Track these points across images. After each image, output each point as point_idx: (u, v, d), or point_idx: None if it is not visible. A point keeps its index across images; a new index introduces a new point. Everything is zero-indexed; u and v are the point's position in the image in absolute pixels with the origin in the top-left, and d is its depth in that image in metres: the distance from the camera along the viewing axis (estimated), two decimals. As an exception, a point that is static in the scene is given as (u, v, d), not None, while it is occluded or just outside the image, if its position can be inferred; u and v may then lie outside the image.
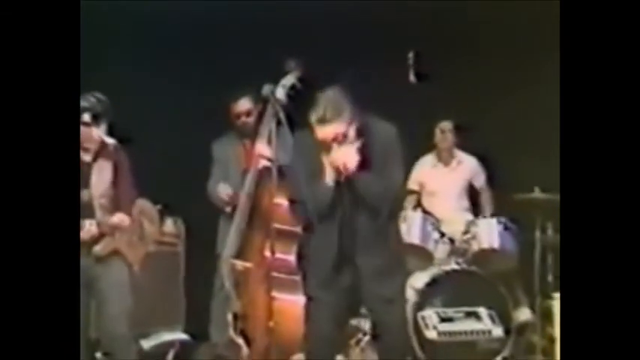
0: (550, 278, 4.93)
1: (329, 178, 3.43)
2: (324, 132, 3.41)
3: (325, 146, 3.43)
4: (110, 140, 3.78)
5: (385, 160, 3.49)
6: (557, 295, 4.56)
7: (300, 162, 3.53)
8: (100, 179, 3.71)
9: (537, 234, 4.97)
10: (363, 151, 3.44)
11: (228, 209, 4.62)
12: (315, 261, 3.63)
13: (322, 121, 3.39)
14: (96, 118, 3.64)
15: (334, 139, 3.40)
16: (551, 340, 4.76)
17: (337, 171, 3.41)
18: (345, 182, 3.43)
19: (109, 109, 3.72)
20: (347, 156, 3.41)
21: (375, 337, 3.84)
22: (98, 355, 3.91)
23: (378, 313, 3.64)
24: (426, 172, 5.59)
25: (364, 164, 3.45)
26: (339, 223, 3.49)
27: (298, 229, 3.83)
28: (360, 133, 3.46)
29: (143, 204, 4.00)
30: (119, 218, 3.71)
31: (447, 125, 5.54)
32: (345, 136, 3.41)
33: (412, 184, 5.52)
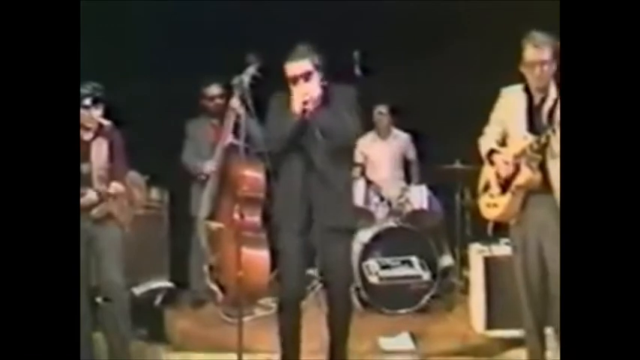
0: (467, 232, 5.07)
1: (296, 107, 3.42)
2: (293, 69, 3.46)
3: (294, 81, 3.46)
4: (106, 122, 3.75)
5: (344, 104, 3.51)
6: (472, 245, 4.70)
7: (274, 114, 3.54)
8: (98, 154, 3.69)
9: (457, 197, 5.09)
10: (325, 92, 3.48)
11: (203, 177, 4.66)
12: (282, 213, 3.63)
13: (291, 60, 3.46)
14: (95, 103, 3.62)
15: (301, 76, 3.45)
16: (467, 281, 4.91)
17: (301, 101, 3.41)
18: (307, 116, 3.41)
19: (106, 96, 3.69)
20: (311, 89, 3.45)
21: (326, 283, 3.87)
22: (98, 299, 3.90)
23: (331, 258, 3.67)
24: (368, 146, 5.67)
25: (325, 103, 3.47)
26: (301, 163, 3.49)
27: (261, 195, 3.85)
28: (324, 88, 3.49)
29: (133, 175, 4.01)
30: (115, 188, 3.69)
31: (383, 109, 5.62)
32: (310, 74, 3.45)
33: (357, 157, 5.59)
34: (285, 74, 3.49)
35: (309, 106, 3.41)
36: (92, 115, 3.65)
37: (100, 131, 3.72)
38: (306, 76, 3.46)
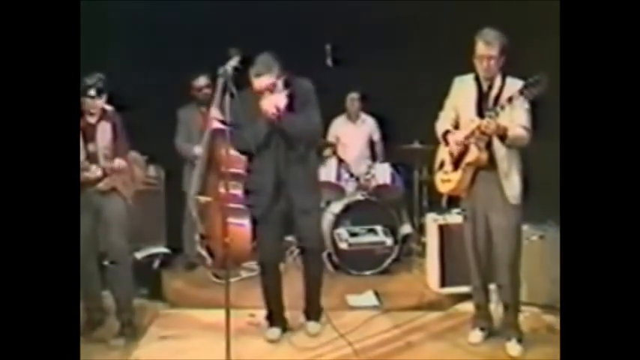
0: (424, 203, 5.06)
1: (265, 117, 3.40)
2: (259, 83, 3.41)
3: (260, 94, 3.41)
4: (109, 107, 3.69)
5: (305, 105, 3.48)
6: (428, 215, 4.69)
7: (243, 112, 3.47)
8: (102, 135, 3.63)
9: (416, 173, 5.07)
10: (289, 98, 3.44)
11: (190, 159, 4.63)
12: (258, 185, 3.62)
13: (257, 75, 3.40)
14: (99, 92, 3.56)
15: (267, 89, 3.39)
16: (424, 245, 4.92)
17: (271, 112, 3.38)
18: (277, 121, 3.41)
19: (111, 86, 3.63)
20: (277, 100, 3.40)
21: (303, 249, 3.84)
22: (105, 262, 3.86)
23: (305, 229, 3.68)
24: (340, 128, 5.63)
25: (290, 108, 3.43)
26: (274, 153, 3.49)
27: (243, 171, 3.81)
28: (286, 85, 3.44)
29: (134, 155, 3.94)
30: (118, 163, 3.66)
31: (354, 95, 5.57)
32: (274, 86, 3.40)
33: (330, 138, 5.56)
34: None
35: (279, 114, 3.39)
36: (96, 102, 3.60)
37: (103, 115, 3.67)
38: (271, 88, 3.41)
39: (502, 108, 3.26)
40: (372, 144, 5.68)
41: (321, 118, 3.59)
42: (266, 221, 3.61)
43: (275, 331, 3.73)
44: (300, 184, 3.53)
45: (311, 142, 3.61)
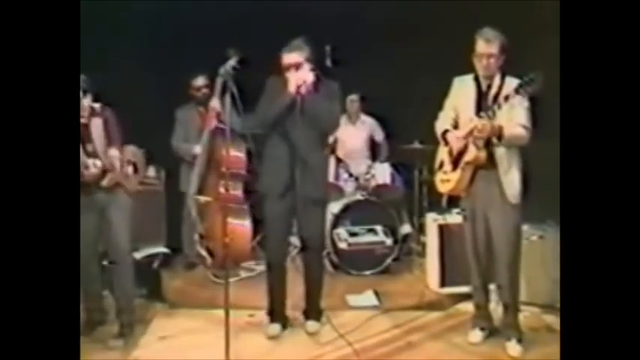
0: (424, 203, 5.05)
1: (292, 88, 3.45)
2: (289, 58, 3.49)
3: (287, 69, 3.49)
4: (96, 104, 3.64)
5: (329, 97, 3.55)
6: (428, 215, 4.69)
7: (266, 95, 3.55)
8: (96, 133, 3.59)
9: (416, 173, 5.06)
10: (316, 83, 3.52)
11: (189, 159, 4.62)
12: (267, 186, 3.62)
13: (288, 51, 3.50)
14: (84, 93, 3.52)
15: (295, 65, 3.47)
16: (424, 245, 4.92)
17: (297, 84, 3.44)
18: (300, 97, 3.46)
19: (93, 86, 3.58)
20: (305, 75, 3.48)
21: (303, 248, 3.84)
22: (105, 262, 3.85)
23: (309, 227, 3.69)
24: (339, 128, 5.60)
25: (316, 91, 3.50)
26: (290, 129, 3.51)
27: (244, 172, 3.81)
28: (314, 70, 3.53)
29: (133, 149, 3.90)
30: (112, 153, 3.61)
31: (354, 97, 5.57)
32: (300, 65, 3.48)
33: (329, 138, 5.53)
34: (277, 62, 3.51)
35: (303, 89, 3.45)
36: (83, 103, 3.56)
37: (92, 113, 3.62)
38: (297, 66, 3.48)
39: (499, 107, 3.27)
40: (373, 144, 5.67)
41: (339, 116, 3.65)
42: (273, 219, 3.61)
43: (275, 327, 3.74)
44: (308, 180, 3.53)
45: (325, 130, 3.64)
